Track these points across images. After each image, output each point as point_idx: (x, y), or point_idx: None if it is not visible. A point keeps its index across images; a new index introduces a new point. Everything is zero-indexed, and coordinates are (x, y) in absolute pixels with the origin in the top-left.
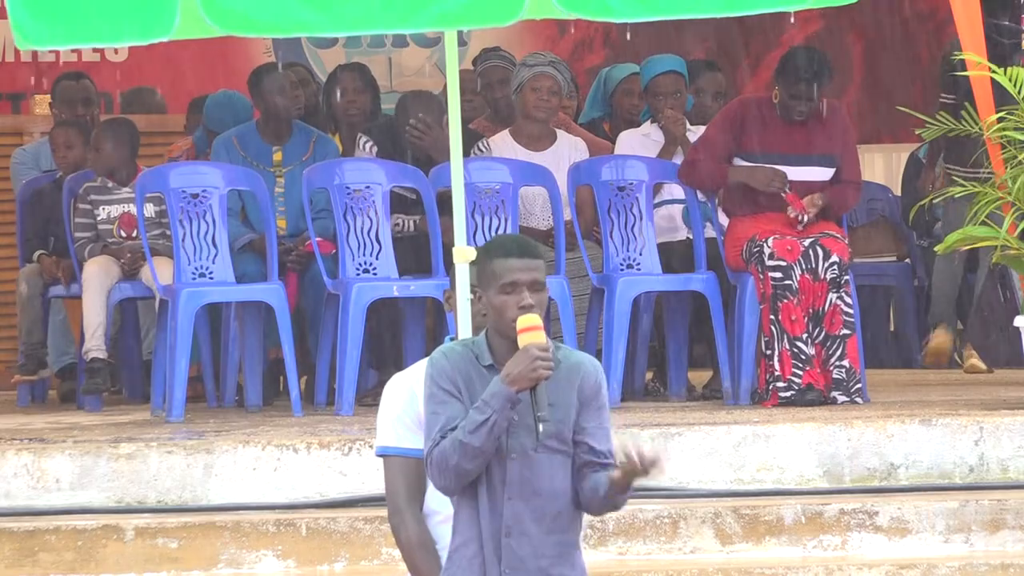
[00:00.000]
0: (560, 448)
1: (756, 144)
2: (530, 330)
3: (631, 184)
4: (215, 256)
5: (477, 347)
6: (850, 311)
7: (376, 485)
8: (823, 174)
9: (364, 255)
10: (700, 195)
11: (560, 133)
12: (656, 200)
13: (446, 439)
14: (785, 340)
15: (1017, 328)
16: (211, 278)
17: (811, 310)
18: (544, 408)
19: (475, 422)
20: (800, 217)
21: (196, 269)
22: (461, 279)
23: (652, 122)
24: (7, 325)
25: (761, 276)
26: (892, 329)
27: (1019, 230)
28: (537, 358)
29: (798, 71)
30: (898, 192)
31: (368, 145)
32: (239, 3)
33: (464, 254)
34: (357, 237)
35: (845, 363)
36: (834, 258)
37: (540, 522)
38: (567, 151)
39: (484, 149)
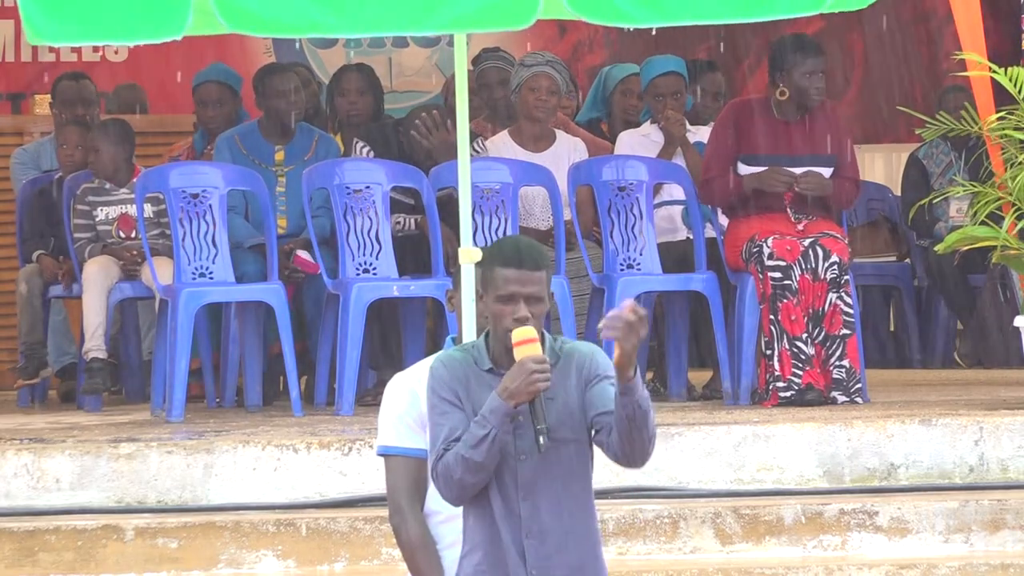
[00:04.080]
0: (569, 437)
1: (753, 146)
2: (525, 343)
3: (631, 184)
4: (215, 256)
5: (476, 351)
6: (850, 311)
7: (376, 485)
8: (822, 173)
9: (364, 255)
10: None
11: (559, 133)
12: (656, 200)
13: (449, 452)
14: (785, 340)
15: (1017, 328)
16: (211, 278)
17: (811, 310)
18: (543, 420)
19: (476, 437)
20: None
21: (196, 269)
22: (466, 280)
23: (652, 123)
24: (7, 325)
25: (761, 276)
26: (892, 329)
27: (1018, 229)
28: (533, 371)
29: (806, 48)
30: (898, 192)
31: (365, 150)
32: (253, 3)
33: (469, 255)
34: (357, 237)
35: (845, 363)
36: (834, 258)
37: (559, 517)
38: (567, 151)
39: (480, 149)
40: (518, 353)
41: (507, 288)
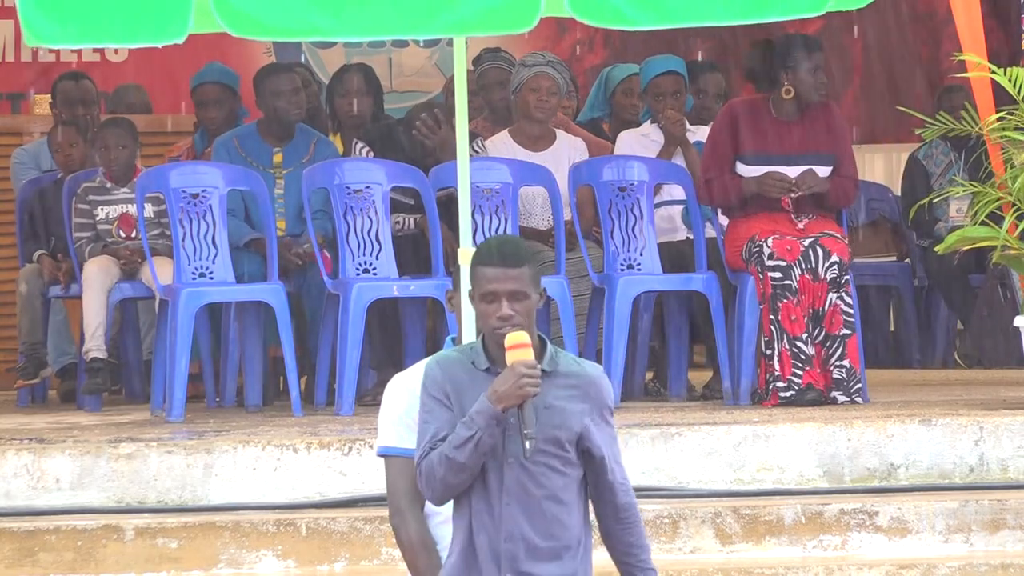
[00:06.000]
0: (557, 453)
1: (751, 145)
2: (517, 347)
3: (632, 184)
4: (215, 256)
5: (474, 352)
6: (850, 311)
7: (376, 485)
8: (821, 172)
9: (364, 255)
10: None
11: (560, 133)
12: (656, 200)
13: (434, 451)
14: (785, 340)
15: (1017, 328)
16: (211, 278)
17: (811, 310)
18: (531, 426)
19: (461, 438)
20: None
21: (196, 269)
22: (465, 280)
23: (652, 122)
24: (7, 325)
25: (761, 276)
26: (892, 329)
27: (1019, 230)
28: (523, 375)
29: (808, 45)
30: (898, 192)
31: (364, 150)
32: (252, 7)
33: (469, 255)
34: (357, 237)
35: (845, 363)
36: (834, 258)
37: (539, 530)
38: (567, 151)
39: (480, 149)
40: (510, 357)
41: (487, 286)
